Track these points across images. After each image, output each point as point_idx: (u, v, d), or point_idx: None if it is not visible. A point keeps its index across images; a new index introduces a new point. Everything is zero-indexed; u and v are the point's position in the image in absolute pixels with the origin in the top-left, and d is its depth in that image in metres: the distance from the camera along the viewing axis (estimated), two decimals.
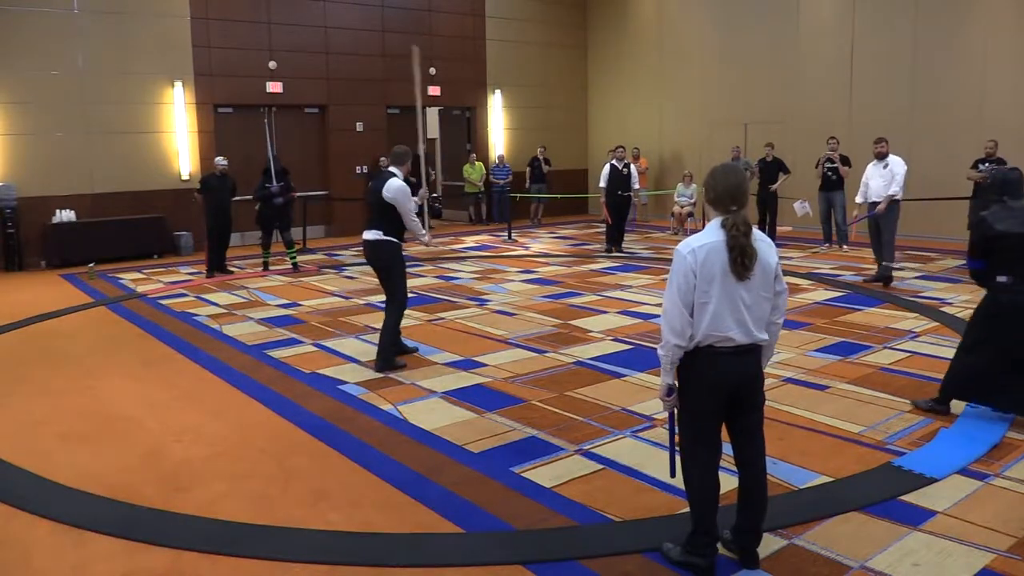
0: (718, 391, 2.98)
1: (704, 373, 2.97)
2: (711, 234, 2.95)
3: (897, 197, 8.93)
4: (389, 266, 6.05)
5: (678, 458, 3.19)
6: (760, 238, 2.97)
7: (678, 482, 3.90)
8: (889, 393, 5.19)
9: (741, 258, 2.86)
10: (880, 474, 3.98)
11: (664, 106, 16.84)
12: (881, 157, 9.12)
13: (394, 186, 5.87)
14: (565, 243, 13.67)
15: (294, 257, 11.12)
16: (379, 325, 7.49)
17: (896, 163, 8.99)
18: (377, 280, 6.32)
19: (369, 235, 6.00)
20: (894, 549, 3.24)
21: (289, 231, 11.07)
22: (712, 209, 3.00)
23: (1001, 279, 4.50)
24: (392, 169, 6.01)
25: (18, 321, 8.16)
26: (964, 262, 10.44)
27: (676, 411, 3.15)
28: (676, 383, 3.07)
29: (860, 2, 13.36)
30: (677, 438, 3.20)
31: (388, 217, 5.91)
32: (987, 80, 12.03)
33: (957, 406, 4.90)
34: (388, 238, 5.96)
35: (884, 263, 9.04)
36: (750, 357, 2.99)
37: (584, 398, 5.26)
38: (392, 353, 6.08)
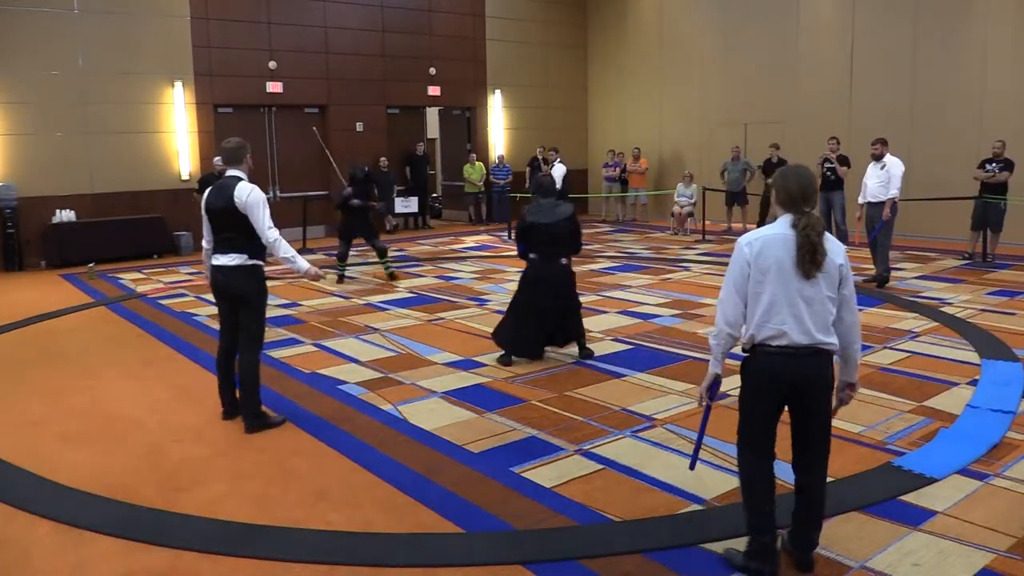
0: (772, 393, 2.96)
1: (759, 373, 2.97)
2: (775, 228, 2.97)
3: (890, 196, 8.81)
4: (253, 297, 4.78)
5: (700, 453, 3.22)
6: (829, 239, 2.97)
7: (678, 482, 3.92)
8: (889, 393, 5.19)
9: (812, 255, 2.87)
10: (880, 474, 3.98)
11: (664, 106, 16.84)
12: (877, 158, 9.03)
13: (245, 191, 4.63)
14: None
15: (389, 267, 10.17)
16: (379, 325, 7.54)
17: (894, 164, 8.88)
18: (232, 310, 4.88)
19: (226, 259, 4.73)
20: (894, 549, 3.24)
21: (377, 238, 10.08)
22: (782, 209, 3.01)
23: (532, 256, 6.06)
24: (234, 172, 4.78)
25: (18, 321, 8.16)
26: (965, 262, 10.51)
27: (710, 407, 3.17)
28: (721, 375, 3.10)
29: (860, 2, 13.36)
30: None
31: (248, 234, 4.69)
32: (987, 80, 12.03)
33: (957, 406, 4.91)
34: (254, 262, 4.76)
35: (879, 267, 8.97)
36: (811, 360, 2.92)
37: (584, 398, 5.26)
38: (260, 402, 4.89)
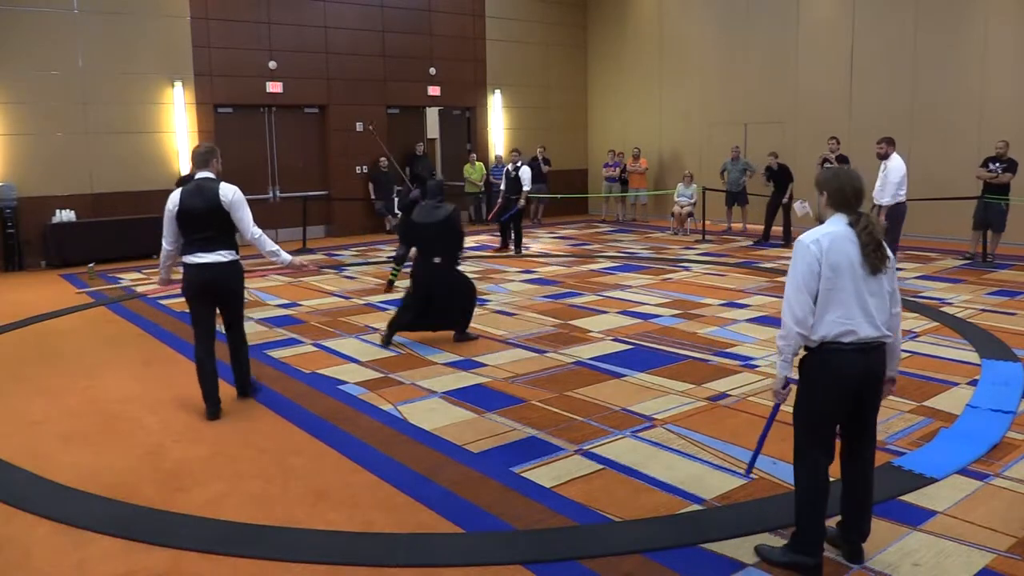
0: (842, 390, 2.98)
1: (829, 371, 2.97)
2: (834, 226, 3.00)
3: (884, 203, 8.34)
4: (239, 289, 5.16)
5: (760, 457, 3.25)
6: None
7: (678, 482, 3.92)
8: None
9: (878, 251, 2.93)
10: (880, 474, 3.95)
11: (664, 106, 16.84)
12: (880, 158, 8.60)
13: (230, 191, 4.92)
14: (565, 243, 13.67)
15: None
16: (379, 325, 7.53)
17: (891, 169, 8.38)
18: (211, 307, 5.16)
19: (214, 257, 4.93)
20: (894, 549, 3.24)
21: None
22: (833, 209, 3.06)
23: (415, 256, 6.54)
24: (206, 174, 5.00)
25: (18, 321, 8.16)
26: (966, 262, 10.50)
27: (778, 408, 3.17)
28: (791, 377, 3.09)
29: (860, 2, 13.36)
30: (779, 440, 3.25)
31: (229, 232, 4.98)
32: (987, 80, 12.04)
33: (957, 406, 4.93)
34: (238, 257, 5.07)
35: None
36: (875, 356, 2.99)
37: (584, 398, 5.26)
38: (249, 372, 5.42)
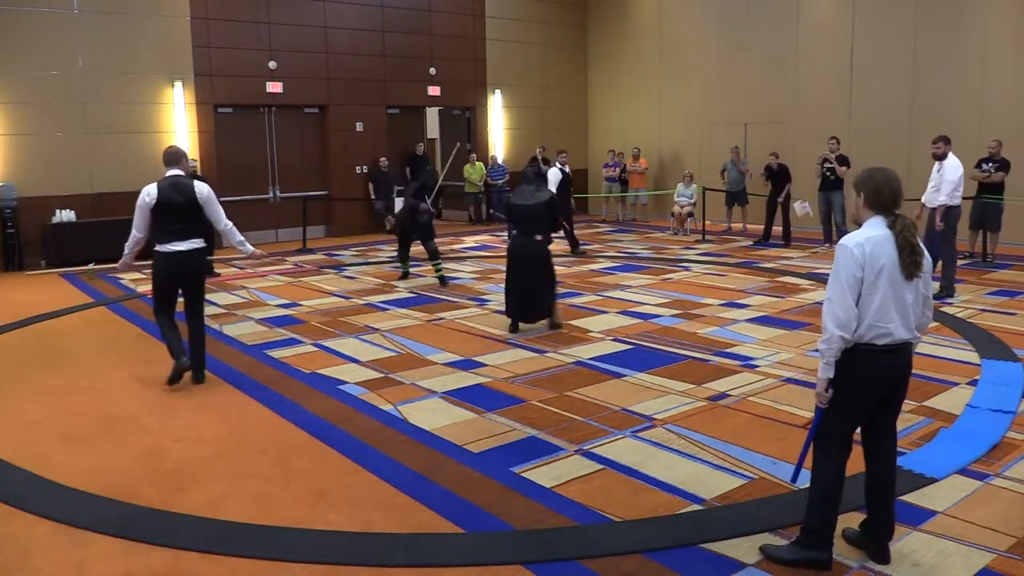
0: (875, 390, 3.01)
1: (863, 372, 2.98)
2: (874, 229, 2.99)
3: (939, 203, 7.99)
4: (204, 273, 5.81)
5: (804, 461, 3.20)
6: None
7: (678, 482, 3.92)
8: None
9: (913, 256, 2.92)
10: None
11: (664, 106, 16.84)
12: (937, 159, 8.10)
13: (204, 188, 5.58)
14: (565, 243, 13.65)
15: (440, 270, 9.72)
16: (379, 325, 7.55)
17: (948, 168, 7.98)
18: (176, 290, 5.73)
19: (188, 245, 5.50)
20: (894, 549, 3.24)
21: (432, 241, 9.73)
22: (870, 211, 3.04)
23: (514, 232, 7.24)
24: (177, 172, 5.55)
25: (18, 321, 8.16)
26: (965, 262, 10.50)
27: (821, 412, 3.13)
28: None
29: (860, 2, 13.36)
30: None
31: (199, 224, 5.57)
32: (987, 80, 12.03)
33: (957, 406, 4.92)
34: (205, 246, 5.71)
35: (945, 276, 8.15)
36: (904, 356, 3.01)
37: (584, 398, 5.26)
38: None
